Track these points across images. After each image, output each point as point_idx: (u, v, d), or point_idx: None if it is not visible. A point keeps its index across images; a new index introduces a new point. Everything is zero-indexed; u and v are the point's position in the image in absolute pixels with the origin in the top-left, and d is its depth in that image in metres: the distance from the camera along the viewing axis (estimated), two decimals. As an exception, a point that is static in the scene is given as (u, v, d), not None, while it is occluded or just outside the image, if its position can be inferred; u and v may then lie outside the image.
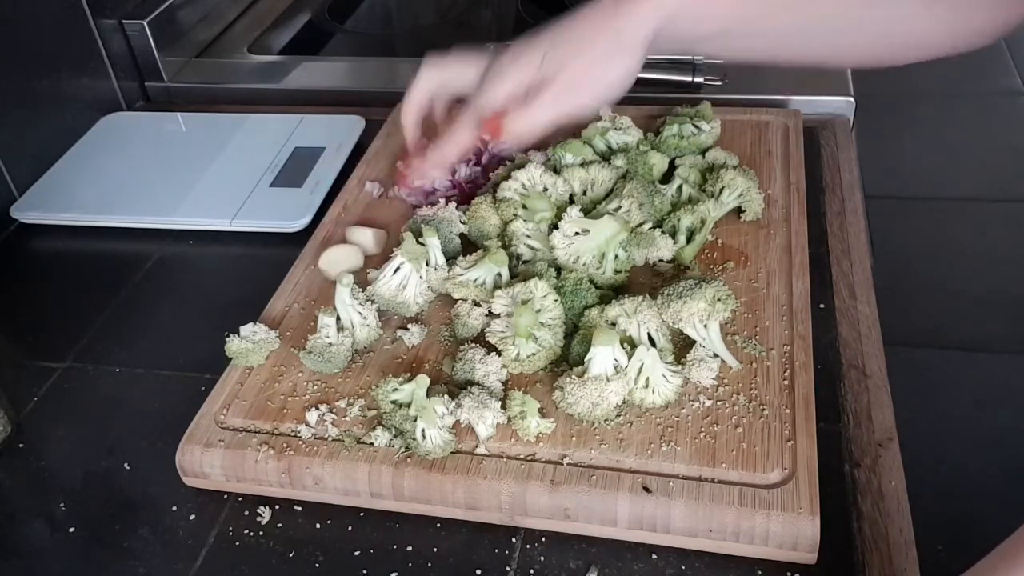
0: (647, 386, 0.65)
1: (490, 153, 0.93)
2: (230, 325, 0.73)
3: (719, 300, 0.68)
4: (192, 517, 0.67)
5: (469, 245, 0.81)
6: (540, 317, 0.69)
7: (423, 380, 0.66)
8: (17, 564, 0.65)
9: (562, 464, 0.63)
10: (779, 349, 0.69)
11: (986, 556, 0.50)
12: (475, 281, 0.74)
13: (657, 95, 1.02)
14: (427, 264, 0.76)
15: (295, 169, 0.99)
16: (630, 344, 0.67)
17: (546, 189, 0.82)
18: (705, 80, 1.03)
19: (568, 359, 0.70)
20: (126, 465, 0.71)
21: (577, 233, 0.75)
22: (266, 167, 0.99)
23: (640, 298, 0.69)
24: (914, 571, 0.59)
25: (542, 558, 0.62)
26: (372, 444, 0.65)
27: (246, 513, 0.66)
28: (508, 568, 0.61)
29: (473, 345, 0.71)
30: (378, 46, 1.46)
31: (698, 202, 0.79)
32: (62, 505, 0.69)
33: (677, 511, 0.60)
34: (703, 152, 0.88)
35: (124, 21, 1.16)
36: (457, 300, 0.74)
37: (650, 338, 0.68)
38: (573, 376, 0.65)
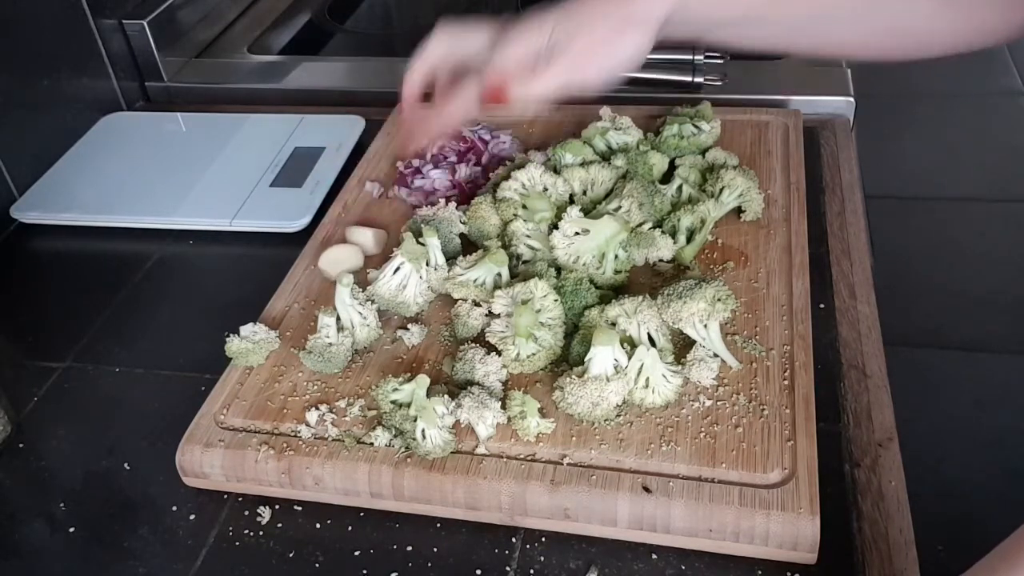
0: (647, 386, 0.65)
1: (490, 153, 0.93)
2: (230, 325, 0.73)
3: (719, 300, 0.68)
4: (192, 517, 0.67)
5: (469, 245, 0.81)
6: (540, 317, 0.69)
7: (423, 380, 0.66)
8: (17, 564, 0.65)
9: (562, 464, 0.63)
10: (779, 349, 0.69)
11: (985, 556, 0.50)
12: (475, 281, 0.74)
13: (657, 95, 1.02)
14: (427, 264, 0.76)
15: (295, 169, 0.99)
16: (630, 344, 0.67)
17: (546, 189, 0.82)
18: (705, 80, 1.03)
19: (568, 359, 0.70)
20: (126, 465, 0.71)
21: (577, 233, 0.75)
22: (266, 167, 0.99)
23: (640, 298, 0.69)
24: (914, 571, 0.59)
25: (542, 558, 0.62)
26: (372, 444, 0.65)
27: (246, 513, 0.66)
28: (508, 568, 0.61)
29: (473, 345, 0.71)
30: (378, 46, 1.46)
31: (698, 202, 0.79)
32: (62, 505, 0.69)
33: (677, 511, 0.60)
34: (703, 152, 0.88)
35: (124, 21, 1.16)
36: (457, 300, 0.74)
37: (650, 338, 0.68)
38: (573, 376, 0.65)
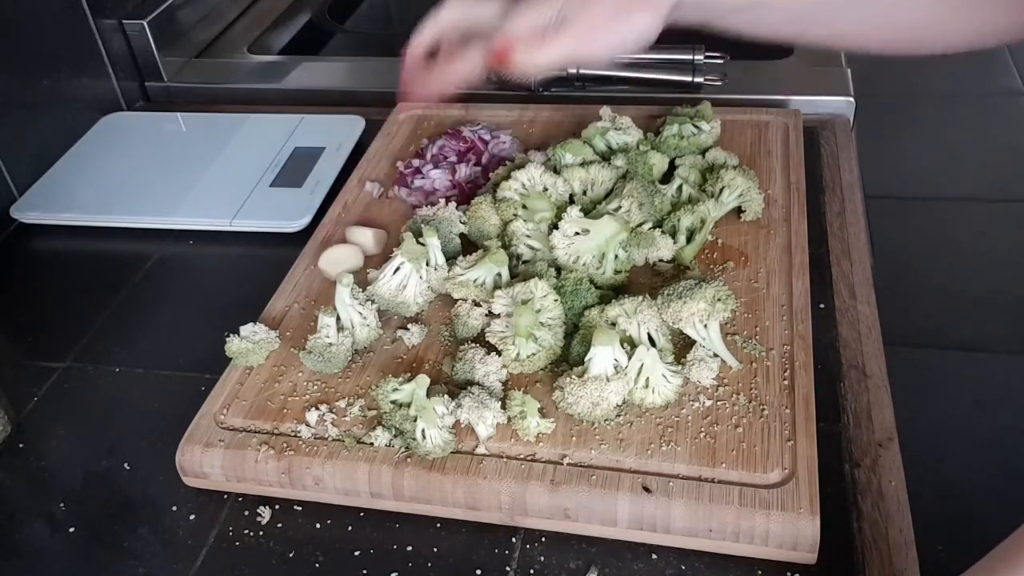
0: (647, 386, 0.65)
1: (490, 153, 0.93)
2: (230, 325, 0.73)
3: (719, 300, 0.68)
4: (192, 517, 0.67)
5: (469, 245, 0.81)
6: (540, 317, 0.69)
7: (423, 380, 0.66)
8: (17, 564, 0.65)
9: (562, 464, 0.63)
10: (779, 349, 0.69)
11: (985, 556, 0.50)
12: (475, 281, 0.74)
13: (657, 95, 1.02)
14: (427, 264, 0.76)
15: (295, 169, 0.99)
16: (630, 344, 0.67)
17: (546, 189, 0.82)
18: (705, 80, 1.03)
19: (568, 359, 0.70)
20: (126, 465, 0.71)
21: (577, 233, 0.75)
22: (266, 167, 0.99)
23: (640, 298, 0.69)
24: (914, 571, 0.59)
25: (542, 558, 0.62)
26: (372, 444, 0.65)
27: (246, 513, 0.66)
28: (508, 568, 0.61)
29: (473, 345, 0.71)
30: (378, 46, 1.46)
31: (698, 202, 0.79)
32: (62, 505, 0.69)
33: (677, 511, 0.60)
34: (703, 152, 0.88)
35: (124, 21, 1.16)
36: (457, 300, 0.74)
37: (650, 338, 0.68)
38: (573, 376, 0.65)
